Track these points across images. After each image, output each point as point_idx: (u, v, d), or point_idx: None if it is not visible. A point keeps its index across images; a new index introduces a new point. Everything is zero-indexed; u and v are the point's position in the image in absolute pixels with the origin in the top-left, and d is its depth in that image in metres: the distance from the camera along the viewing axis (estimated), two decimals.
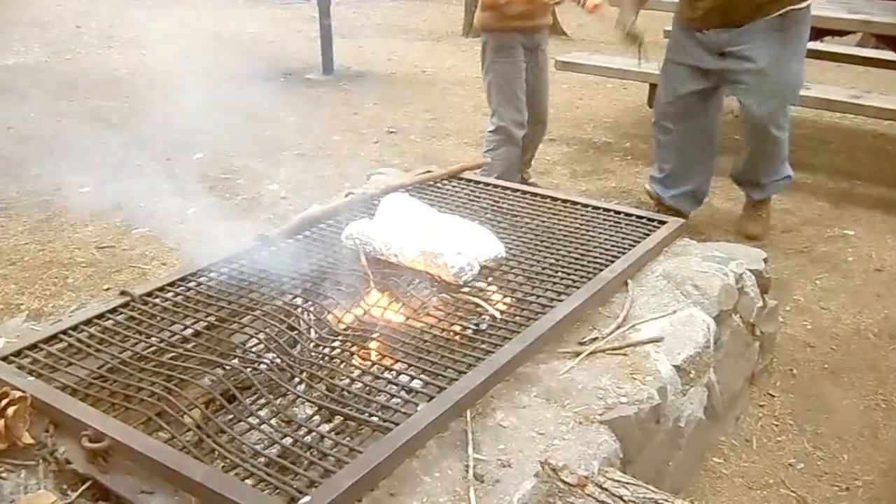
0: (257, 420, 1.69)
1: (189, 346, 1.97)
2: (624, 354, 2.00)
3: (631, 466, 1.76)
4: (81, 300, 3.04)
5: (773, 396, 2.55)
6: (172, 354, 1.92)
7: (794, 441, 2.36)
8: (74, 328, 2.02)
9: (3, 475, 1.57)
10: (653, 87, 5.03)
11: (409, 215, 2.37)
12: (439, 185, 2.94)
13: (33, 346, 1.94)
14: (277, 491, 1.45)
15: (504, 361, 1.82)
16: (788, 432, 2.40)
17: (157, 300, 2.16)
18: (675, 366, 1.99)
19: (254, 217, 3.72)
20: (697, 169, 3.65)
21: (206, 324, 2.06)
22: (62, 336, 1.99)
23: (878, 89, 4.74)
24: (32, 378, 1.79)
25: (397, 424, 1.61)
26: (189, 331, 2.02)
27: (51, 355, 1.92)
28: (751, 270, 2.46)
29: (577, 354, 1.99)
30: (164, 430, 1.65)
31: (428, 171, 3.02)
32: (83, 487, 1.57)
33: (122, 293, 2.16)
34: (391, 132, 5.27)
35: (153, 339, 1.99)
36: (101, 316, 2.07)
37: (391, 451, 1.53)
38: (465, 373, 1.79)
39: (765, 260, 2.56)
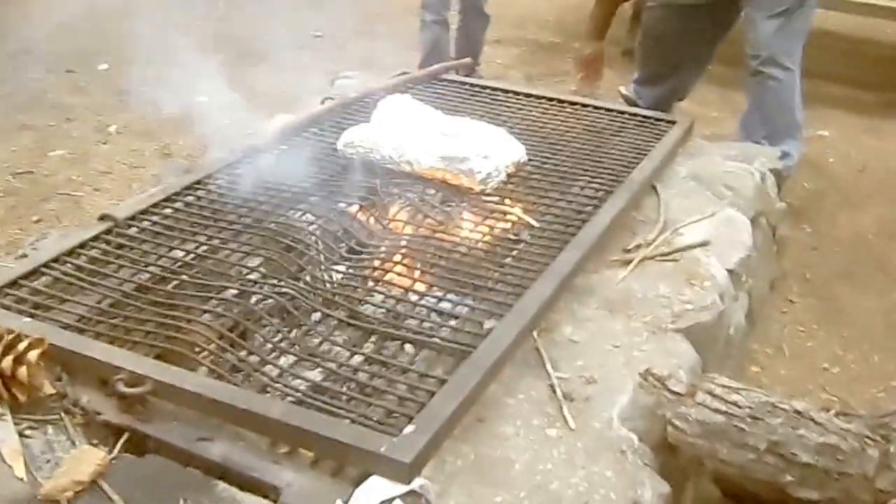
0: (303, 349, 1.61)
1: (193, 271, 1.85)
2: (675, 260, 2.01)
3: None
4: (7, 235, 2.84)
5: (793, 302, 2.66)
6: (177, 283, 1.81)
7: (824, 346, 2.48)
8: (56, 260, 1.86)
9: (28, 433, 1.45)
10: None
11: (416, 118, 2.28)
12: (421, 87, 2.84)
13: (13, 283, 1.78)
14: (371, 424, 1.39)
15: (567, 271, 1.80)
16: (816, 337, 2.52)
17: (145, 224, 2.02)
18: (728, 270, 2.02)
19: (191, 133, 3.51)
20: (678, 78, 3.51)
21: (207, 248, 1.94)
22: (44, 270, 1.83)
23: None
24: (28, 319, 1.65)
25: (475, 347, 1.56)
26: (191, 256, 1.90)
27: (38, 292, 1.76)
28: (770, 170, 2.51)
29: (627, 263, 1.99)
30: (207, 367, 1.56)
31: (404, 73, 2.92)
32: (122, 439, 1.46)
33: (104, 217, 2.01)
34: (317, 36, 5.06)
35: (152, 267, 1.86)
36: (83, 245, 1.92)
37: (480, 374, 1.49)
38: (525, 287, 1.76)
39: (779, 157, 2.62)
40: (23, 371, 1.40)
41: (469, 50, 4.14)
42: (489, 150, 2.10)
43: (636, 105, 3.60)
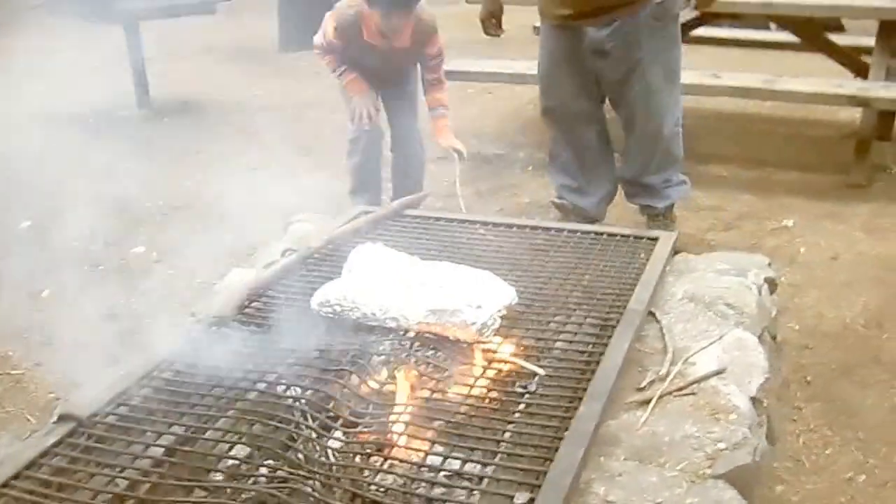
0: None
1: (175, 470, 1.71)
2: (692, 394, 1.95)
3: None
4: None
5: (801, 409, 2.61)
6: (159, 486, 1.67)
7: (843, 452, 2.42)
8: (16, 477, 1.70)
9: None
10: None
11: (393, 269, 2.20)
12: (384, 229, 2.77)
13: None
14: None
15: (592, 427, 1.71)
16: (832, 444, 2.46)
17: (111, 419, 1.87)
18: (751, 398, 1.96)
19: (131, 289, 3.36)
20: (604, 174, 3.59)
21: (187, 439, 1.80)
22: (3, 491, 1.66)
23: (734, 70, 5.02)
24: None
25: None
26: (170, 451, 1.76)
27: None
28: (765, 279, 2.50)
29: (644, 403, 1.91)
30: None
31: (366, 213, 2.86)
32: None
33: (64, 418, 1.85)
34: (254, 170, 4.99)
35: (129, 471, 1.71)
36: (45, 454, 1.76)
37: None
38: (548, 447, 1.66)
39: (769, 265, 2.61)
40: None
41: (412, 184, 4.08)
42: (481, 299, 2.03)
43: (571, 210, 3.60)
